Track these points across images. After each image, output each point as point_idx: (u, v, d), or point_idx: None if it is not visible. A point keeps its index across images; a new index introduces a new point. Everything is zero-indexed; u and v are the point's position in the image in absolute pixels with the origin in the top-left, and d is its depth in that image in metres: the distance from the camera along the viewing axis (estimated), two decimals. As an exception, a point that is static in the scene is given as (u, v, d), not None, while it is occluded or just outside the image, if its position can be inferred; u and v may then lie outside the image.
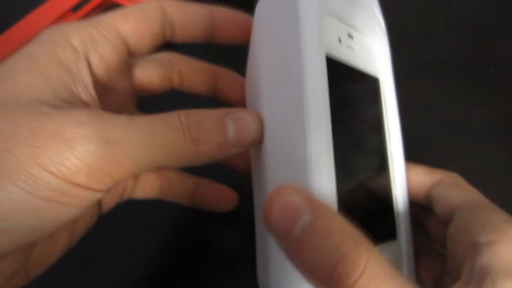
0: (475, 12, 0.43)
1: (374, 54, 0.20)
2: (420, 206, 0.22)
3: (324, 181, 0.15)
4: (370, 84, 0.20)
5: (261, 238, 0.18)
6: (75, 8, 0.40)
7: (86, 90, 0.18)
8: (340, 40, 0.18)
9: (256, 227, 0.19)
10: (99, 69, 0.19)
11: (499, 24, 0.41)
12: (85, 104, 0.18)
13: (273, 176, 0.17)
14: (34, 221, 0.15)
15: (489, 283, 0.14)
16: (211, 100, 0.24)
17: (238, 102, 0.23)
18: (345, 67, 0.18)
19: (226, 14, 0.21)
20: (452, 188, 0.20)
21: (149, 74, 0.22)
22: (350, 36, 0.19)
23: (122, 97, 0.21)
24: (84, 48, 0.18)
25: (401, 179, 0.21)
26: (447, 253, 0.18)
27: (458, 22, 0.42)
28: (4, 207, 0.14)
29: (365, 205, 0.19)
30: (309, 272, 0.13)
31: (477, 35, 0.41)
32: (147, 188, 0.24)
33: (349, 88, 0.19)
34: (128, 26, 0.19)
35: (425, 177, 0.21)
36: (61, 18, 0.39)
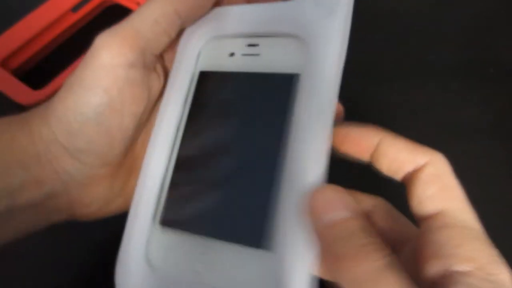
0: (475, 12, 0.43)
1: (293, 52, 0.20)
2: None
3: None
4: (279, 83, 0.20)
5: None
6: (75, 8, 0.40)
7: None
8: (232, 54, 0.22)
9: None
10: None
11: (499, 24, 0.41)
12: None
13: None
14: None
15: None
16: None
17: None
18: (233, 74, 0.22)
19: None
20: (432, 184, 0.18)
21: None
22: (253, 45, 0.22)
23: None
24: None
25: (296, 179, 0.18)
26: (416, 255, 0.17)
27: (458, 22, 0.42)
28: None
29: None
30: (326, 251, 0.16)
31: (477, 35, 0.41)
32: None
33: (233, 91, 0.21)
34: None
35: (406, 155, 0.19)
36: (61, 18, 0.39)
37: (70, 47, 0.41)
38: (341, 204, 0.16)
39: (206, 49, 0.23)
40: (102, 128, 0.20)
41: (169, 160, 0.21)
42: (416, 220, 0.19)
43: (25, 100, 0.32)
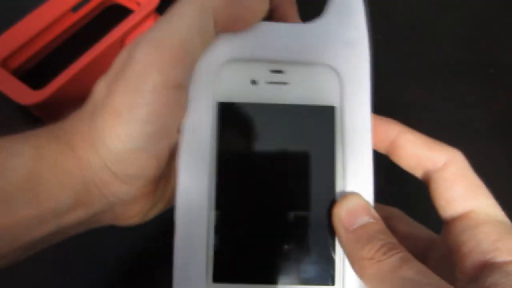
0: (475, 12, 0.43)
1: (326, 81, 0.20)
2: None
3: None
4: (316, 115, 0.20)
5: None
6: (75, 8, 0.40)
7: None
8: (254, 82, 0.20)
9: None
10: None
11: (499, 24, 0.41)
12: None
13: None
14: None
15: None
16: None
17: None
18: (260, 105, 0.19)
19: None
20: (458, 184, 0.19)
21: None
22: (278, 71, 0.20)
23: None
24: None
25: None
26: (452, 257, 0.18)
27: (458, 22, 0.42)
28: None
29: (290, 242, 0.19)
30: (349, 256, 0.18)
31: (477, 35, 0.41)
32: None
33: (263, 127, 0.19)
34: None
35: (424, 151, 0.19)
36: (61, 18, 0.39)
37: (70, 47, 0.41)
38: (363, 211, 0.18)
39: (224, 74, 0.20)
40: (153, 153, 0.19)
41: (209, 213, 0.19)
42: (443, 219, 0.19)
43: (25, 100, 0.32)
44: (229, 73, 0.20)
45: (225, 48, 0.20)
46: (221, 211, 0.19)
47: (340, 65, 0.20)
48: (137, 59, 0.18)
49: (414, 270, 0.16)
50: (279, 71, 0.20)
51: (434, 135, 0.34)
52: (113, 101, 0.18)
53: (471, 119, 0.35)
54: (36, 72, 0.39)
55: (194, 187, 0.19)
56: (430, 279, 0.15)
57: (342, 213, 0.18)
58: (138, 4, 0.39)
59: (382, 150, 0.21)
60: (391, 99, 0.36)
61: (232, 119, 0.20)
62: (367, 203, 0.19)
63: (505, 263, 0.16)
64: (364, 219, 0.18)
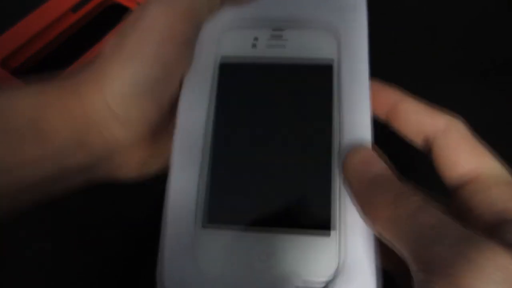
0: (475, 12, 0.43)
1: (325, 40, 0.21)
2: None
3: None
4: (314, 70, 0.21)
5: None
6: (75, 8, 0.40)
7: None
8: (256, 42, 0.21)
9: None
10: None
11: (499, 24, 0.41)
12: None
13: None
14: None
15: None
16: None
17: None
18: (261, 63, 0.21)
19: None
20: (461, 148, 0.18)
21: None
22: (277, 34, 0.21)
23: None
24: None
25: None
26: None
27: (458, 22, 0.42)
28: None
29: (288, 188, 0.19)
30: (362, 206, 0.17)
31: (477, 35, 0.41)
32: None
33: (262, 83, 0.21)
34: None
35: (425, 117, 0.19)
36: (61, 18, 0.39)
37: (70, 47, 0.41)
38: (377, 161, 0.18)
39: (227, 35, 0.22)
40: (156, 98, 0.20)
41: (203, 155, 0.20)
42: (450, 187, 0.19)
43: (25, 100, 0.32)
44: (232, 34, 0.22)
45: (229, 11, 0.22)
46: (215, 155, 0.20)
47: (338, 24, 0.21)
48: (148, 12, 0.20)
49: (434, 217, 0.15)
50: (280, 29, 0.21)
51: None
52: (122, 49, 0.20)
53: (471, 119, 0.35)
54: (36, 72, 0.39)
55: (191, 131, 0.20)
56: (452, 225, 0.15)
57: (354, 164, 0.18)
58: (138, 4, 0.39)
59: (382, 115, 0.21)
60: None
61: (233, 76, 0.21)
62: (377, 155, 0.18)
63: None
64: (378, 169, 0.18)
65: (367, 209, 0.17)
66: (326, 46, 0.21)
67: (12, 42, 0.37)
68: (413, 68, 0.38)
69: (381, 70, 0.38)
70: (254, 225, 0.18)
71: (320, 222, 0.18)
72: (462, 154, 0.18)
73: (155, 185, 0.33)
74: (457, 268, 0.13)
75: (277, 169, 0.19)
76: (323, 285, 0.17)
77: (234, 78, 0.21)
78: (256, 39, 0.21)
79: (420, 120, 0.19)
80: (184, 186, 0.19)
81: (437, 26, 0.41)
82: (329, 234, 0.18)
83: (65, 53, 0.40)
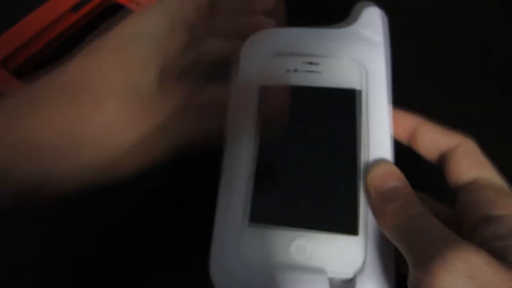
0: (475, 12, 0.43)
1: (352, 71, 0.25)
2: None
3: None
4: (344, 96, 0.24)
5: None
6: (75, 8, 0.41)
7: None
8: (293, 70, 0.25)
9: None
10: None
11: (499, 24, 0.42)
12: None
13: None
14: None
15: (499, 243, 0.17)
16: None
17: None
18: (298, 89, 0.24)
19: None
20: (466, 159, 0.21)
21: None
22: (312, 63, 0.25)
23: None
24: None
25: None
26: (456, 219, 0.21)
27: (458, 22, 0.42)
28: None
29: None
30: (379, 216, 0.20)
31: (477, 35, 0.41)
32: None
33: (301, 106, 0.24)
34: None
35: (440, 137, 0.22)
36: (61, 18, 0.39)
37: (70, 47, 0.41)
38: (392, 176, 0.21)
39: (267, 64, 0.25)
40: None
41: (251, 166, 0.23)
42: (453, 189, 0.21)
43: (25, 100, 0.32)
44: (273, 64, 0.25)
45: (271, 44, 0.25)
46: (259, 167, 0.23)
47: (364, 59, 0.25)
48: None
49: (428, 222, 0.18)
50: (313, 63, 0.25)
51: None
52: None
53: (471, 119, 0.35)
54: (36, 72, 0.39)
55: (240, 147, 0.23)
56: (438, 227, 0.18)
57: (374, 177, 0.21)
58: (138, 4, 0.39)
59: (404, 139, 0.24)
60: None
61: (273, 97, 0.25)
62: (396, 169, 0.21)
63: (500, 216, 0.18)
64: (394, 182, 0.21)
65: (378, 217, 0.20)
66: (354, 77, 0.24)
67: (12, 42, 0.37)
68: (413, 68, 0.38)
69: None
70: (294, 226, 0.22)
71: (350, 225, 0.21)
72: (467, 164, 0.21)
73: (155, 185, 0.32)
74: (433, 263, 0.16)
75: (313, 180, 0.23)
76: (351, 276, 0.20)
77: (274, 99, 0.25)
78: (295, 69, 0.25)
79: (437, 140, 0.22)
80: (234, 192, 0.23)
81: (437, 26, 0.41)
82: (357, 234, 0.21)
83: (65, 53, 0.40)
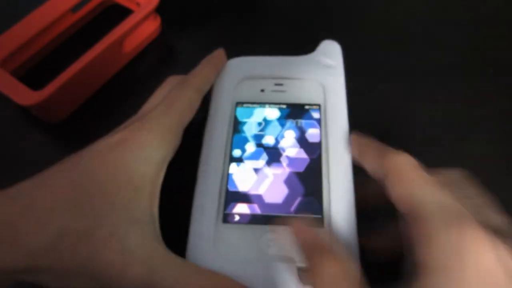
0: (475, 12, 0.43)
1: (312, 90, 0.30)
2: None
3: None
4: (306, 110, 0.29)
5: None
6: (75, 8, 0.41)
7: None
8: (263, 90, 0.30)
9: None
10: None
11: (499, 24, 0.42)
12: None
13: None
14: None
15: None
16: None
17: None
18: (266, 104, 0.29)
19: None
20: (396, 186, 0.22)
21: None
22: (279, 84, 0.30)
23: None
24: None
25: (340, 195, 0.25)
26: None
27: (458, 22, 0.42)
28: None
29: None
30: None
31: (477, 35, 0.41)
32: None
33: (267, 119, 0.29)
34: None
35: (377, 161, 0.23)
36: (61, 18, 0.39)
37: (70, 47, 0.41)
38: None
39: (240, 85, 0.30)
40: None
41: (224, 168, 0.26)
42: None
43: (24, 101, 0.32)
44: (245, 85, 0.30)
45: (243, 69, 0.31)
46: (231, 171, 0.26)
47: (322, 79, 0.30)
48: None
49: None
50: (279, 84, 0.30)
51: (434, 135, 0.34)
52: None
53: (471, 119, 0.35)
54: (36, 72, 0.39)
55: (215, 152, 0.27)
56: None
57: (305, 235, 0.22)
58: (138, 4, 0.39)
59: (357, 158, 0.26)
60: (391, 100, 0.36)
61: (246, 111, 0.29)
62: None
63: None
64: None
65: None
66: (314, 94, 0.29)
67: (12, 42, 0.37)
68: (413, 68, 0.38)
69: (381, 70, 0.38)
70: (261, 221, 0.25)
71: (315, 221, 0.24)
72: (397, 192, 0.22)
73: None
74: None
75: (279, 180, 0.26)
76: None
77: (246, 115, 0.29)
78: (263, 89, 0.30)
79: (374, 165, 0.24)
80: (208, 193, 0.26)
81: (437, 26, 0.41)
82: (322, 227, 0.24)
83: (65, 53, 0.40)
